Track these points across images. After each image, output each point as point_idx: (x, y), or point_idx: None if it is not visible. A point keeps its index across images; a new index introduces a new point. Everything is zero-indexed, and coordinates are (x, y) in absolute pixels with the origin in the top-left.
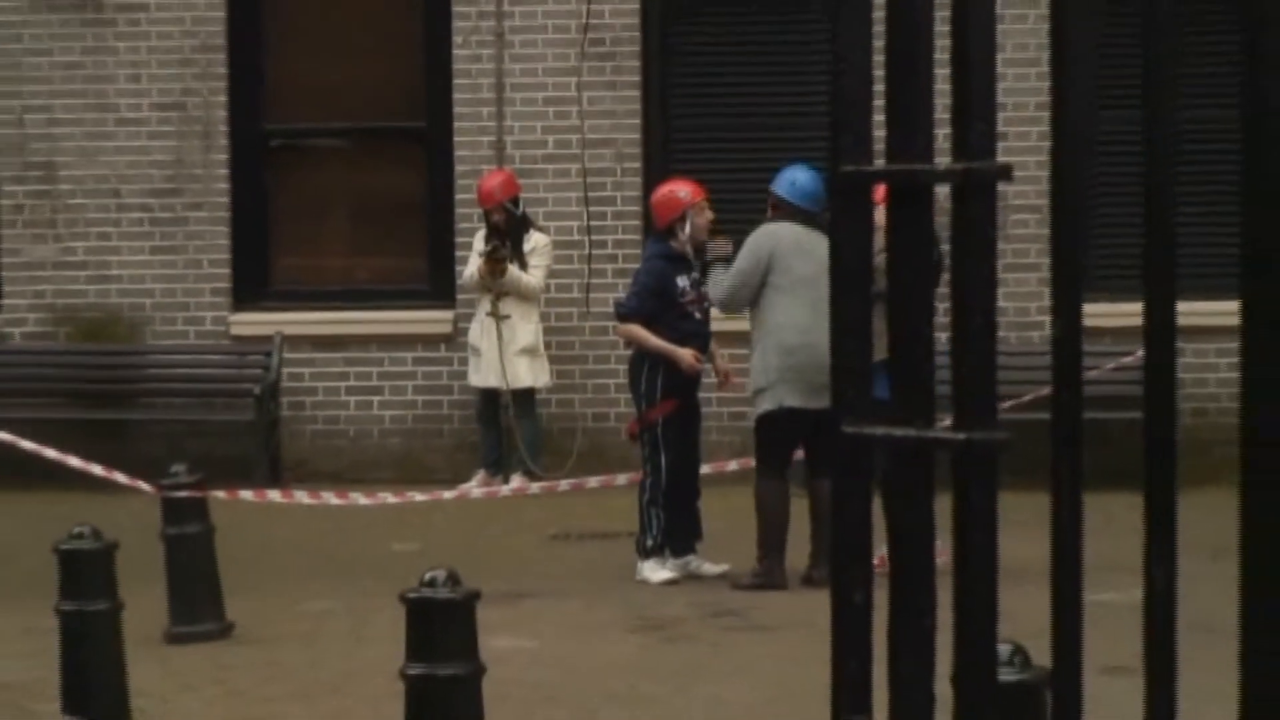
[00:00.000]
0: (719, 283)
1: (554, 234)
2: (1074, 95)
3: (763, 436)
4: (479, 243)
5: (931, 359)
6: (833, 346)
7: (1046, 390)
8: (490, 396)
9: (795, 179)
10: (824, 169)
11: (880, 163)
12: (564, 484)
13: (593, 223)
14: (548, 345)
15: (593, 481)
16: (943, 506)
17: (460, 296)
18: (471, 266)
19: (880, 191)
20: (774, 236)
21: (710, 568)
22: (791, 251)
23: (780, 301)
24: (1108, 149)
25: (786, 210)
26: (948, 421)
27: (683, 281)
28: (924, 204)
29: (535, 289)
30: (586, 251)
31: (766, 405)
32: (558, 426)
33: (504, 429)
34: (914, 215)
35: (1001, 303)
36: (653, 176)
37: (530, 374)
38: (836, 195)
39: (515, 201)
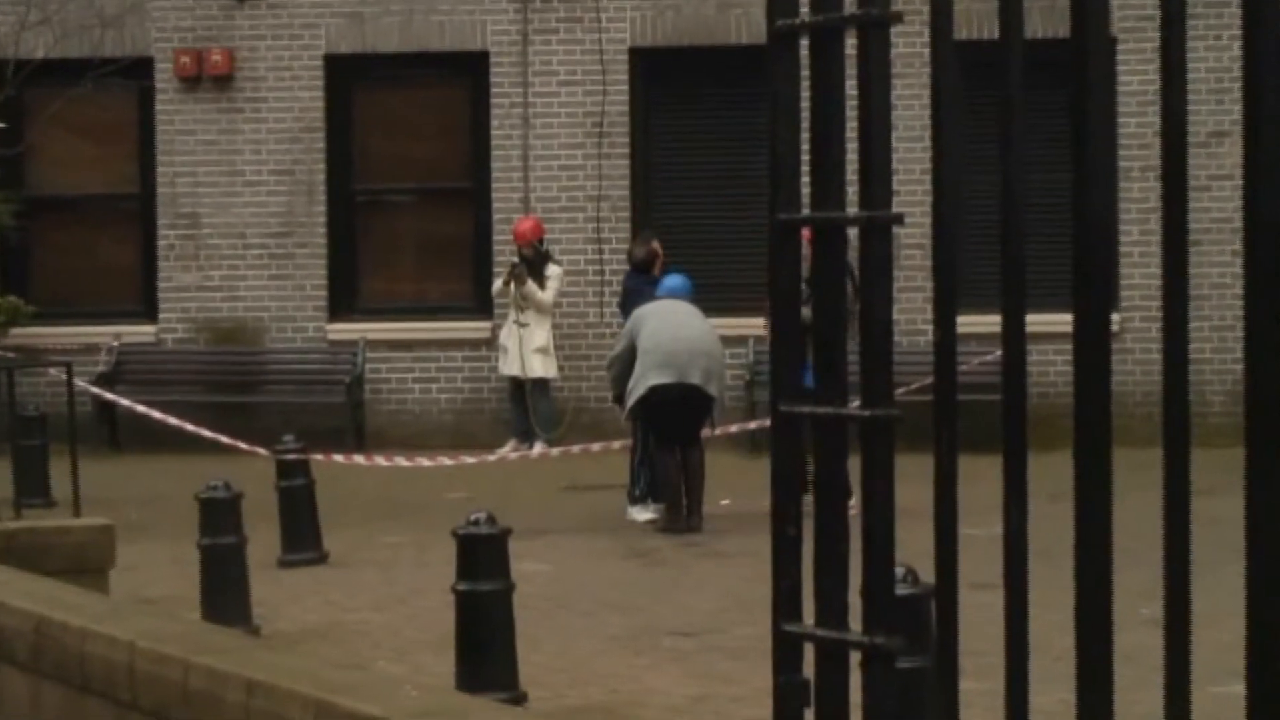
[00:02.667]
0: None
1: (566, 265)
2: (949, 162)
3: (643, 419)
4: (506, 271)
5: (844, 357)
6: (771, 349)
7: (929, 379)
8: (516, 383)
9: (665, 282)
10: (688, 281)
11: (806, 210)
12: (576, 449)
13: (596, 257)
14: (560, 347)
15: (596, 446)
16: (854, 465)
17: (496, 311)
18: (498, 283)
19: (806, 233)
20: (635, 317)
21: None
22: (646, 309)
23: (643, 330)
24: (975, 200)
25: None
26: (858, 402)
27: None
28: (839, 242)
29: (546, 303)
30: (590, 278)
31: (638, 393)
32: (571, 406)
33: (527, 408)
34: (831, 250)
35: (896, 315)
36: (639, 223)
37: (543, 367)
38: (773, 236)
39: (541, 241)
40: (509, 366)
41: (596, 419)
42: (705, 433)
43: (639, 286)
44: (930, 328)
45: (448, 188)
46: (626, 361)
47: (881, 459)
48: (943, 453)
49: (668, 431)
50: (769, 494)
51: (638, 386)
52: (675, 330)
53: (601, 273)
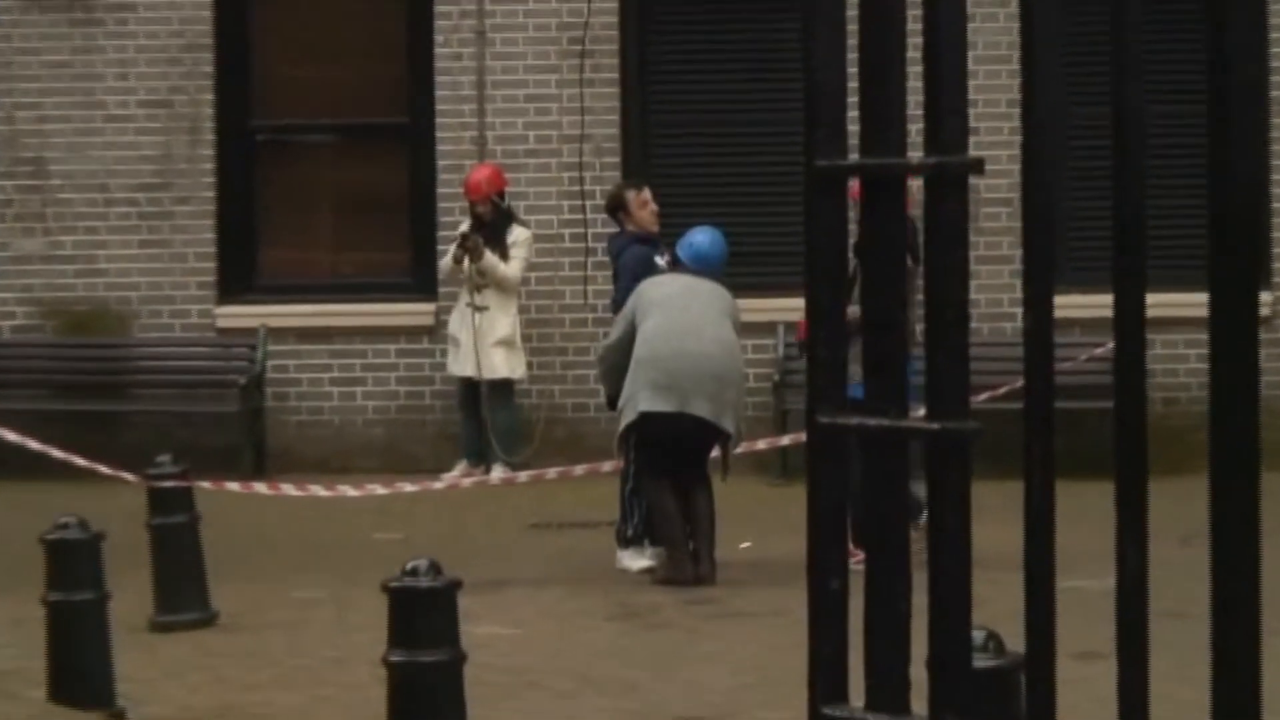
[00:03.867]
0: (601, 346)
1: (534, 228)
2: (1043, 90)
3: (636, 446)
4: (460, 236)
5: (905, 349)
6: (808, 339)
7: (1019, 381)
8: (470, 386)
9: (692, 240)
10: (722, 237)
11: (854, 157)
12: (551, 472)
13: (573, 216)
14: (528, 338)
15: (577, 470)
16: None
17: (442, 289)
18: (447, 258)
19: (854, 186)
20: (638, 296)
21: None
22: (653, 292)
23: (645, 324)
24: (1078, 142)
25: (679, 267)
26: (923, 412)
27: (660, 260)
28: (897, 197)
29: (512, 279)
30: (567, 244)
31: (627, 416)
32: (539, 416)
33: (484, 420)
34: (887, 208)
35: (974, 295)
36: (631, 171)
37: (506, 365)
38: (810, 190)
39: (501, 195)
40: (461, 365)
41: (575, 433)
42: (716, 454)
43: (639, 240)
44: (1020, 311)
45: (377, 125)
46: (624, 353)
47: (954, 487)
48: (1036, 479)
49: (664, 463)
50: (803, 534)
51: (627, 408)
52: (681, 338)
53: (584, 237)
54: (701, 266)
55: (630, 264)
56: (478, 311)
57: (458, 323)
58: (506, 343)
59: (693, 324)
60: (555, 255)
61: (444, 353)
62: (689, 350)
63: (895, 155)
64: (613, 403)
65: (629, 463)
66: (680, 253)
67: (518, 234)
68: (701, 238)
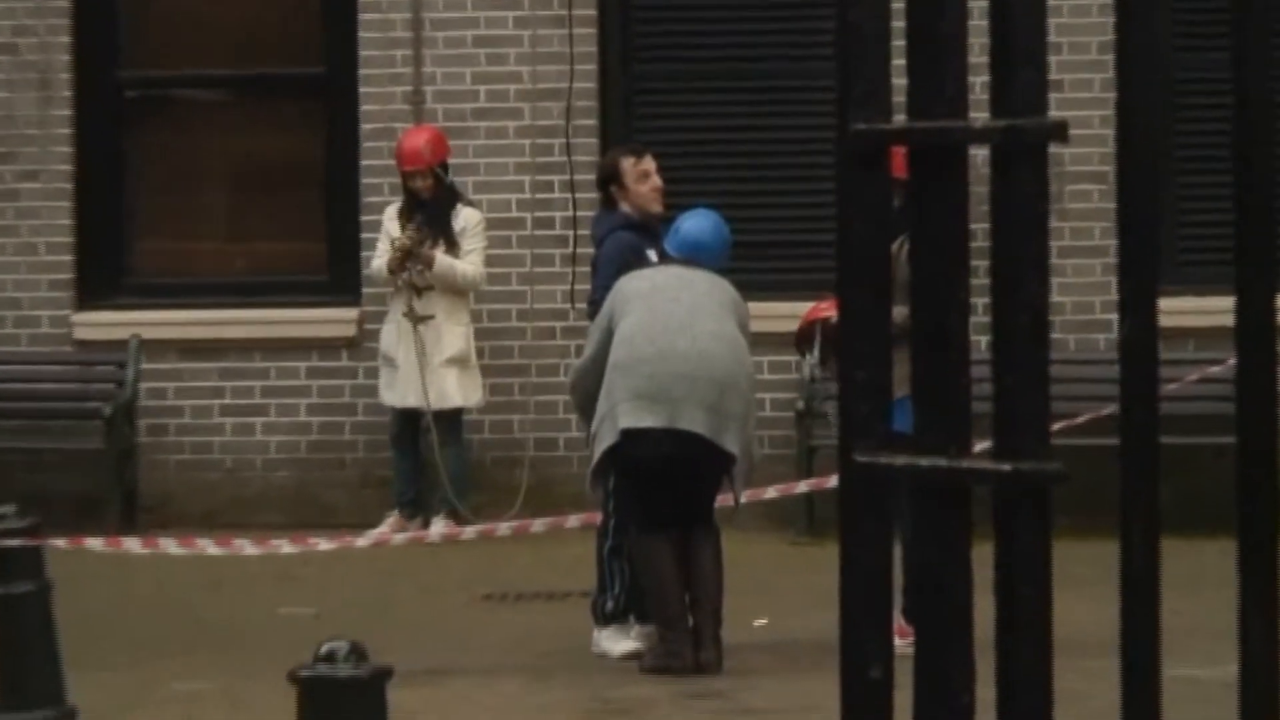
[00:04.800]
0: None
1: (487, 210)
2: (1145, 34)
3: (615, 482)
4: (391, 222)
5: (966, 369)
6: (843, 354)
7: (1114, 408)
8: (407, 418)
9: (681, 227)
10: (721, 221)
11: (900, 119)
12: (503, 527)
13: (537, 195)
14: (480, 353)
15: (538, 524)
16: (981, 556)
17: (368, 290)
18: (380, 261)
19: (899, 156)
20: (615, 295)
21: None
22: (634, 285)
23: (623, 323)
24: (1190, 101)
25: (668, 262)
26: (987, 447)
27: (654, 255)
28: (955, 171)
29: (475, 280)
30: (529, 232)
31: (603, 440)
32: (493, 456)
33: (423, 459)
34: (943, 185)
35: (1056, 296)
36: (612, 137)
37: (459, 391)
38: (845, 162)
39: (444, 167)
40: (400, 392)
41: (542, 478)
42: (722, 501)
43: (628, 226)
44: (1115, 319)
45: (283, 77)
46: (597, 375)
47: (1030, 547)
48: (1136, 536)
49: (654, 507)
50: (834, 607)
51: (603, 429)
52: (670, 335)
53: (551, 223)
54: (695, 256)
55: (613, 254)
56: (420, 323)
57: (393, 337)
58: (459, 361)
59: (684, 317)
60: (513, 246)
61: (370, 373)
62: (679, 349)
63: (953, 117)
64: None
65: (608, 510)
66: (668, 245)
67: (467, 217)
68: (694, 223)
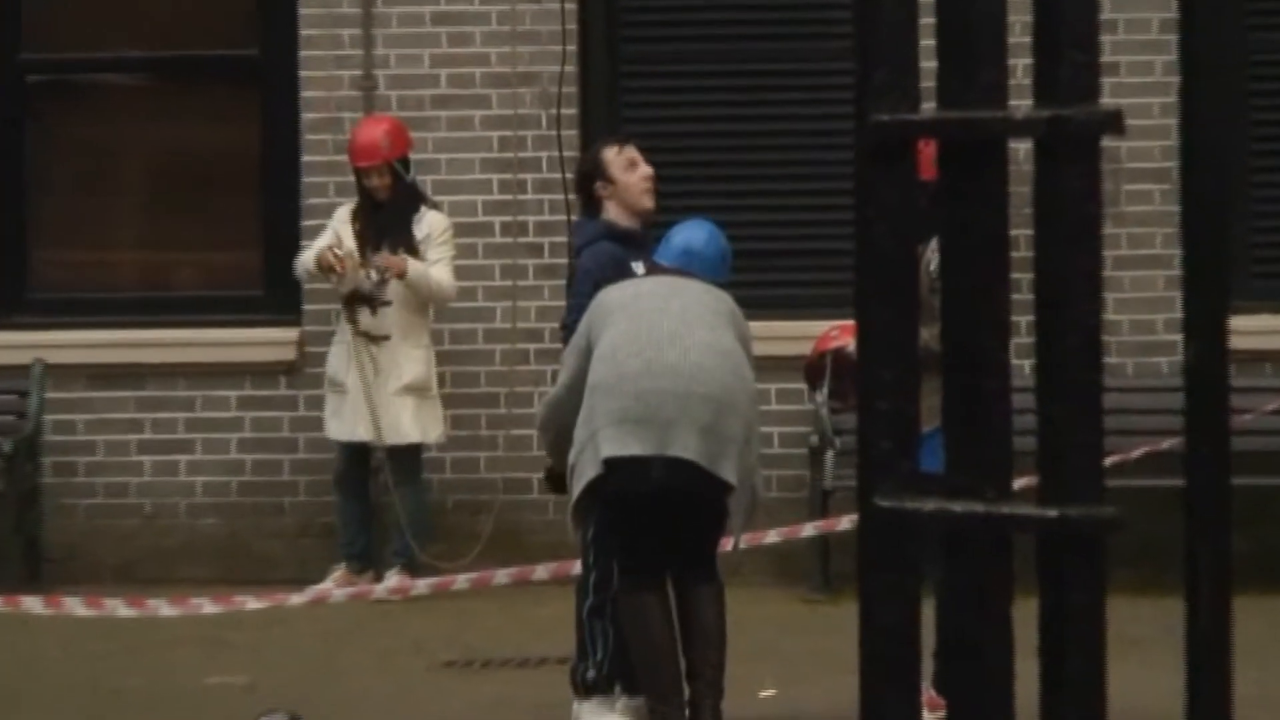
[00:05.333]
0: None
1: (448, 213)
2: (1214, 9)
3: (596, 526)
4: (343, 226)
5: (1006, 398)
6: (863, 381)
7: (1178, 442)
8: (356, 455)
9: (670, 236)
10: (719, 232)
11: (929, 108)
12: (462, 580)
13: (507, 196)
14: (441, 380)
15: (501, 576)
16: (1023, 615)
17: (310, 307)
18: (322, 243)
19: (928, 153)
20: (595, 309)
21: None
22: (615, 295)
23: (603, 337)
24: (1267, 86)
25: (657, 272)
26: (1030, 489)
27: (641, 269)
28: (993, 169)
29: (446, 290)
30: (497, 239)
31: (584, 474)
32: (456, 499)
33: (374, 504)
34: (979, 185)
35: (1112, 314)
36: (595, 128)
37: (416, 424)
38: (865, 158)
39: (405, 164)
40: (348, 424)
41: (509, 522)
42: (724, 547)
43: (611, 236)
44: (1179, 339)
45: (211, 60)
46: (574, 407)
47: (1081, 603)
48: (1205, 593)
49: (643, 553)
50: (853, 675)
51: (583, 460)
52: (657, 347)
53: (524, 229)
54: (688, 266)
55: (591, 268)
56: (373, 343)
57: (343, 360)
58: (418, 389)
59: (674, 326)
60: (479, 256)
61: (313, 403)
62: (669, 362)
63: (990, 107)
64: (563, 480)
65: (589, 561)
66: (658, 256)
67: (432, 223)
68: (687, 231)
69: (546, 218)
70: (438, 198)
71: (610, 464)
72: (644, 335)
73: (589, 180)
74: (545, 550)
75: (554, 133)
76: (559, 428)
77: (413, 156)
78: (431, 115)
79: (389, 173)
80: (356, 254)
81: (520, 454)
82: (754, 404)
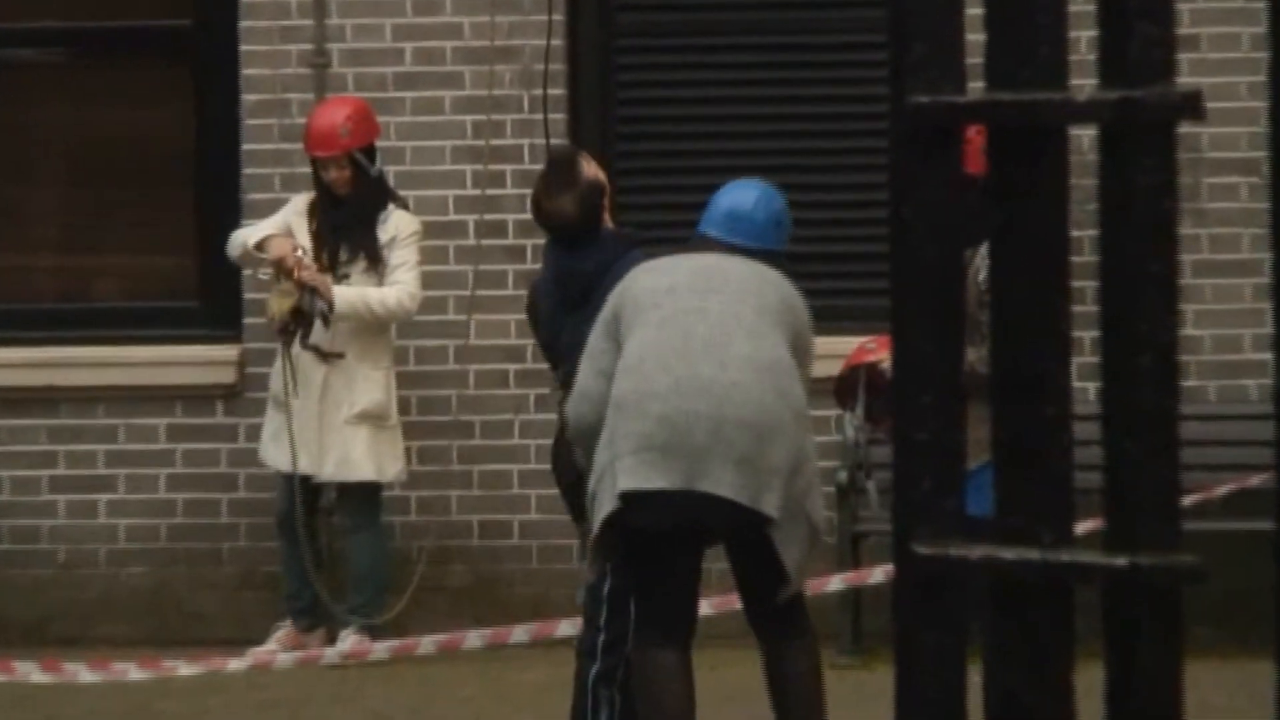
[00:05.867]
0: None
1: (414, 211)
2: None
3: (614, 578)
4: (299, 219)
5: (1067, 427)
6: (899, 408)
7: (1268, 477)
8: (303, 491)
9: (716, 200)
10: (775, 194)
11: (977, 87)
12: (428, 642)
13: (482, 191)
14: (404, 407)
15: (474, 638)
16: (1086, 680)
17: (252, 320)
18: (270, 226)
19: (976, 142)
20: (624, 288)
21: None
22: (645, 282)
23: (631, 338)
24: None
25: (696, 247)
26: (1096, 533)
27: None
28: (1052, 160)
29: (401, 309)
30: (472, 241)
31: (603, 507)
32: (421, 546)
33: (327, 550)
34: (1035, 179)
35: (1190, 328)
36: (586, 112)
37: (371, 458)
38: (901, 146)
39: (370, 153)
40: (289, 449)
41: (485, 575)
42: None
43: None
44: (1270, 359)
45: (140, 33)
46: (604, 402)
47: (1154, 665)
48: None
49: (660, 601)
50: None
51: (601, 489)
52: (693, 358)
53: (500, 229)
54: (736, 238)
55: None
56: (324, 361)
57: (282, 381)
58: (375, 417)
59: (711, 333)
60: (450, 261)
61: (254, 432)
62: (703, 379)
63: (1049, 87)
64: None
65: (598, 617)
66: (701, 225)
67: (398, 223)
68: (733, 193)
69: (528, 216)
70: (401, 193)
71: (628, 498)
72: (675, 344)
73: (602, 198)
74: (527, 606)
75: (538, 117)
76: (592, 426)
77: (381, 145)
78: (394, 97)
79: (349, 165)
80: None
81: (497, 492)
82: (803, 423)
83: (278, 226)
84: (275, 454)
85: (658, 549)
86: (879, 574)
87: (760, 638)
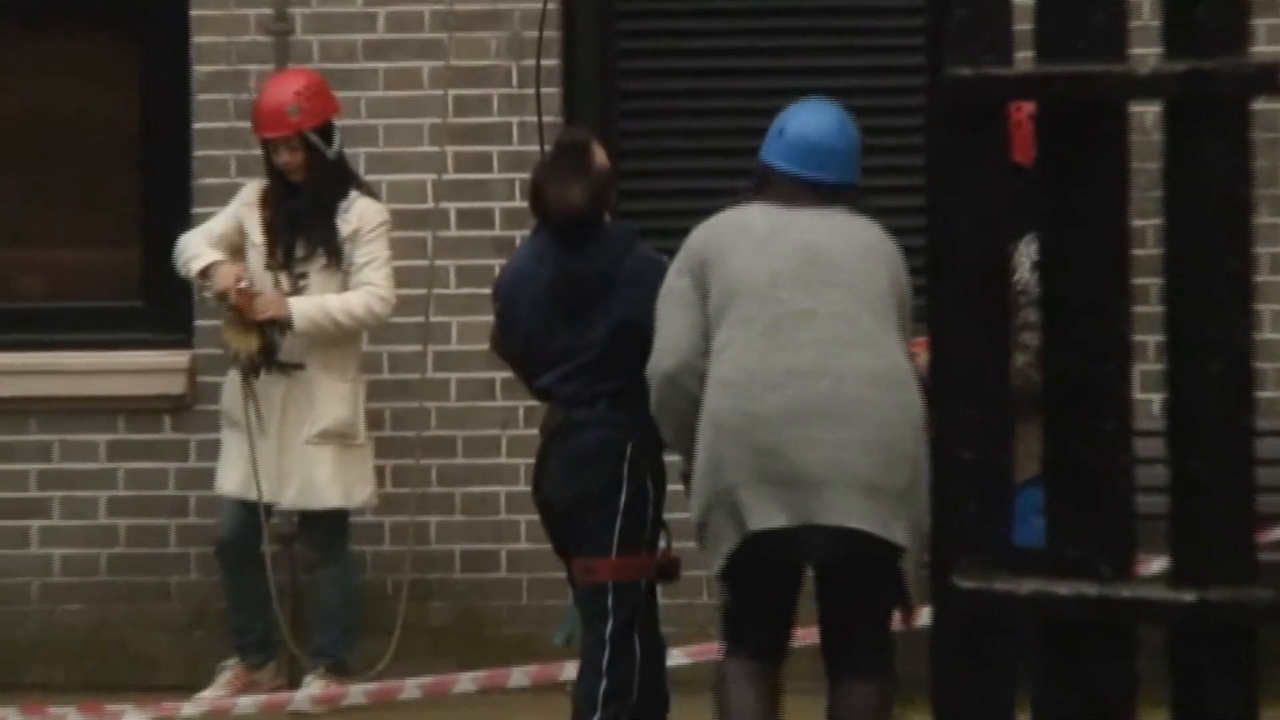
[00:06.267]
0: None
1: (387, 198)
2: None
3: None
4: (248, 209)
5: (1128, 444)
6: (938, 420)
7: None
8: (252, 518)
9: (784, 126)
10: (847, 117)
11: (1024, 57)
12: (410, 686)
13: (464, 175)
14: (376, 422)
15: (465, 681)
16: None
17: (202, 322)
18: (205, 255)
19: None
20: (697, 243)
21: None
22: (734, 245)
23: (721, 334)
24: None
25: (770, 185)
26: (1158, 568)
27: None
28: (1111, 140)
29: (371, 315)
30: (452, 233)
31: (727, 541)
32: (397, 579)
33: (280, 585)
34: (1091, 161)
35: (1267, 331)
36: (584, 85)
37: (337, 483)
38: (939, 123)
39: (328, 134)
40: (243, 478)
41: (470, 612)
42: (912, 621)
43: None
44: None
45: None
46: (700, 370)
47: (1226, 712)
48: None
49: (761, 625)
50: None
51: (716, 519)
52: (804, 376)
53: (485, 219)
54: (819, 173)
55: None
56: (282, 373)
57: (237, 395)
58: (339, 437)
59: (823, 343)
60: (428, 255)
61: (207, 449)
62: (819, 402)
63: (1107, 58)
64: (687, 477)
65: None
66: (770, 157)
67: (362, 214)
68: (806, 116)
69: (518, 204)
70: (373, 178)
71: (756, 540)
72: (783, 358)
73: (611, 190)
74: (518, 647)
75: (529, 91)
76: (681, 404)
77: (340, 123)
78: (364, 68)
79: (302, 147)
80: (259, 286)
81: (484, 518)
82: (920, 435)
83: (228, 221)
84: (228, 479)
85: (764, 575)
86: (924, 614)
87: (834, 674)
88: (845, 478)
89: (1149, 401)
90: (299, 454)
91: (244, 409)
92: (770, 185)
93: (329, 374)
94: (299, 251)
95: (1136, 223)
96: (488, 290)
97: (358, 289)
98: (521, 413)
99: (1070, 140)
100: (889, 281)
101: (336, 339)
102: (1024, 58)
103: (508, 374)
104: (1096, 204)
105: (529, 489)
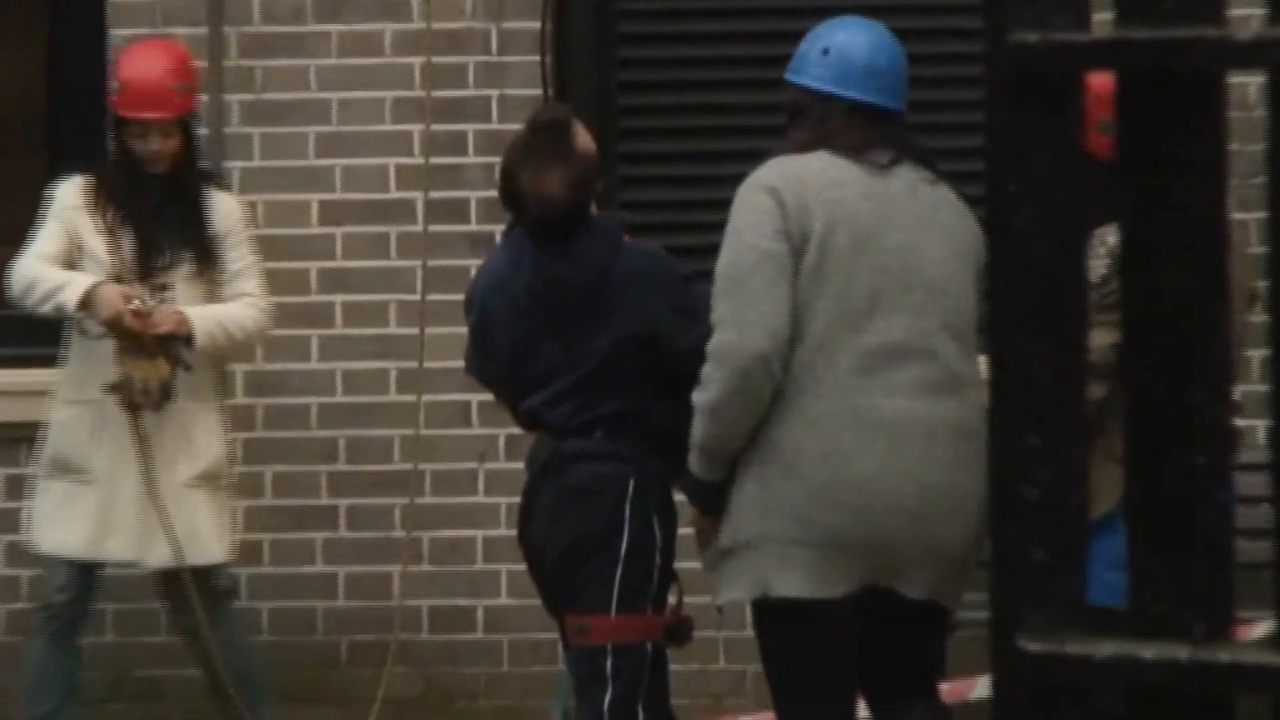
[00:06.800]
0: (701, 383)
1: (342, 187)
2: None
3: (770, 648)
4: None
5: (1227, 476)
6: (995, 451)
7: None
8: (93, 581)
9: (828, 45)
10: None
11: (1104, 23)
12: None
13: (434, 160)
14: (330, 452)
15: None
16: None
17: (75, 337)
18: (75, 284)
19: (1099, 89)
20: (795, 202)
21: None
22: (832, 230)
23: (799, 355)
24: None
25: (813, 117)
26: (1263, 629)
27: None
28: (1204, 114)
29: (259, 332)
30: (419, 228)
31: (747, 586)
32: (351, 640)
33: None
34: (1181, 138)
35: None
36: (574, 53)
37: (218, 531)
38: (1002, 100)
39: (189, 116)
40: (95, 529)
41: (441, 682)
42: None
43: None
44: None
45: None
46: (773, 374)
47: None
48: None
49: (825, 690)
50: None
51: (752, 560)
52: (894, 434)
53: (459, 210)
54: (882, 99)
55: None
56: (160, 400)
57: (83, 430)
58: (212, 477)
59: (917, 390)
60: (391, 255)
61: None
62: (910, 467)
63: (1200, 21)
64: (706, 497)
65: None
66: (810, 78)
67: (227, 210)
68: (854, 39)
69: (488, 192)
70: (325, 162)
71: (791, 608)
72: (874, 412)
73: (596, 178)
74: (497, 718)
75: (511, 59)
76: (766, 394)
77: (285, 97)
78: (314, 30)
79: (179, 132)
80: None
81: (455, 568)
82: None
83: (57, 235)
84: (66, 537)
85: (822, 658)
86: (980, 686)
87: (875, 706)
88: (922, 550)
89: (1254, 429)
90: (177, 500)
91: (97, 453)
92: (816, 118)
93: (199, 402)
94: (160, 258)
95: (1237, 215)
96: (461, 296)
97: (237, 299)
98: (502, 442)
99: (1157, 118)
100: (975, 295)
101: (215, 360)
102: (1102, 20)
103: (487, 396)
104: (1188, 193)
105: (512, 533)
